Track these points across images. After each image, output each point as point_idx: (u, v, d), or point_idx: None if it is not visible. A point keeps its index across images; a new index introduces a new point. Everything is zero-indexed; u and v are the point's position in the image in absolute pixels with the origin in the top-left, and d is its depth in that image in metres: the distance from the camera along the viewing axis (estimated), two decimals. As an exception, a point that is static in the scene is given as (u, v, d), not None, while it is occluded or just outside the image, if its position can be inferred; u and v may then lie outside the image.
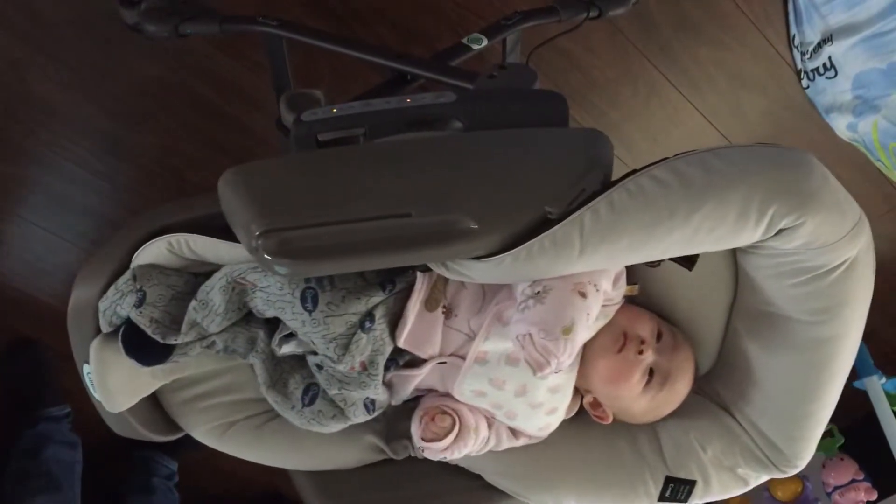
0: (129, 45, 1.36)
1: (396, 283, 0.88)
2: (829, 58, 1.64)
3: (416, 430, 0.91)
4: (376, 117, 0.85)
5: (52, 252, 1.53)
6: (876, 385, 1.80)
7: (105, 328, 0.90)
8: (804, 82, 1.75)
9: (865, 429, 1.82)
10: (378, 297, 0.86)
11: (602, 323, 0.90)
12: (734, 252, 0.90)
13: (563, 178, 0.78)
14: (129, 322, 0.88)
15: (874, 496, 1.93)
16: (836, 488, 1.95)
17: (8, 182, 1.44)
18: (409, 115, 0.85)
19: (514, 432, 0.96)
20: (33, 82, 1.37)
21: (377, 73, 1.28)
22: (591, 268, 0.80)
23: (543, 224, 0.75)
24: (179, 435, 1.02)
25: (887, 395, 1.81)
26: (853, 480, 1.94)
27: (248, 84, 1.44)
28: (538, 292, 0.80)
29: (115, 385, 0.91)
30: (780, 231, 0.75)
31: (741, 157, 0.76)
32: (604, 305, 0.87)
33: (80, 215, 1.50)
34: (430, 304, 0.89)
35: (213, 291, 0.87)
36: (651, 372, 0.90)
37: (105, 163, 1.46)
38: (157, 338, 0.87)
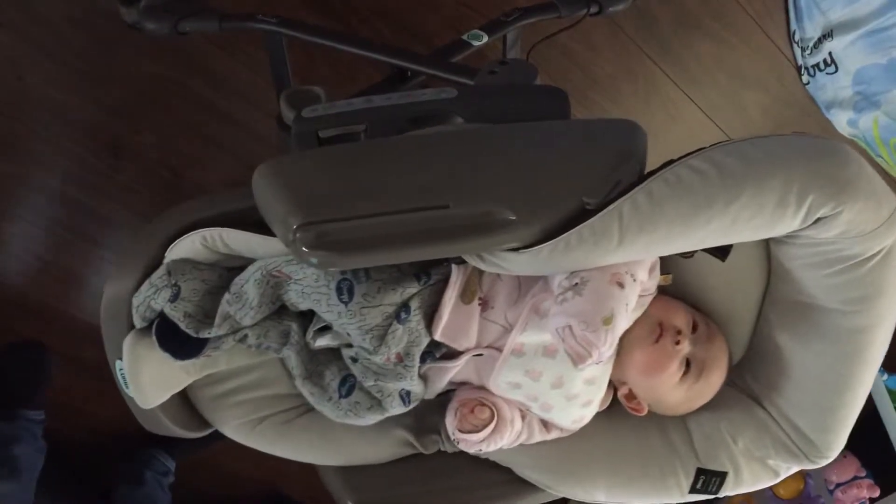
0: (128, 43, 1.36)
1: (432, 275, 0.88)
2: (830, 53, 1.64)
3: (451, 421, 0.91)
4: (377, 113, 0.85)
5: (52, 251, 1.52)
6: (878, 382, 1.79)
7: (138, 324, 0.90)
8: (804, 78, 1.75)
9: (868, 426, 1.80)
10: (413, 289, 0.86)
11: (638, 313, 0.90)
12: (766, 242, 0.89)
13: (599, 169, 0.78)
14: (162, 316, 0.88)
15: (876, 493, 1.93)
16: (838, 485, 1.95)
17: (6, 181, 1.44)
18: (411, 112, 0.85)
19: (547, 425, 0.96)
20: (32, 81, 1.36)
21: (377, 70, 1.27)
22: (629, 258, 0.80)
23: (581, 215, 0.75)
24: (208, 431, 1.02)
25: (890, 392, 1.81)
26: (855, 477, 1.94)
27: (248, 82, 1.44)
28: (576, 284, 0.80)
29: (148, 381, 0.91)
30: (818, 220, 0.75)
31: (779, 146, 0.76)
32: (639, 296, 0.86)
33: (79, 214, 1.49)
34: (465, 296, 0.89)
35: (248, 284, 0.88)
36: (687, 362, 0.90)
37: (104, 161, 1.46)
38: (191, 332, 0.88)
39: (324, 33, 1.14)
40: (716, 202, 0.73)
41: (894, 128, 1.62)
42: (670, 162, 0.78)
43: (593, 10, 1.35)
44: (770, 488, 2.06)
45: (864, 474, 1.94)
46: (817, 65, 1.69)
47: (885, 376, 1.81)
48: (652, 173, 0.77)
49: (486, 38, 1.21)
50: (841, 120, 1.74)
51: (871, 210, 0.75)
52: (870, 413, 1.79)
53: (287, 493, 1.95)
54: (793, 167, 0.73)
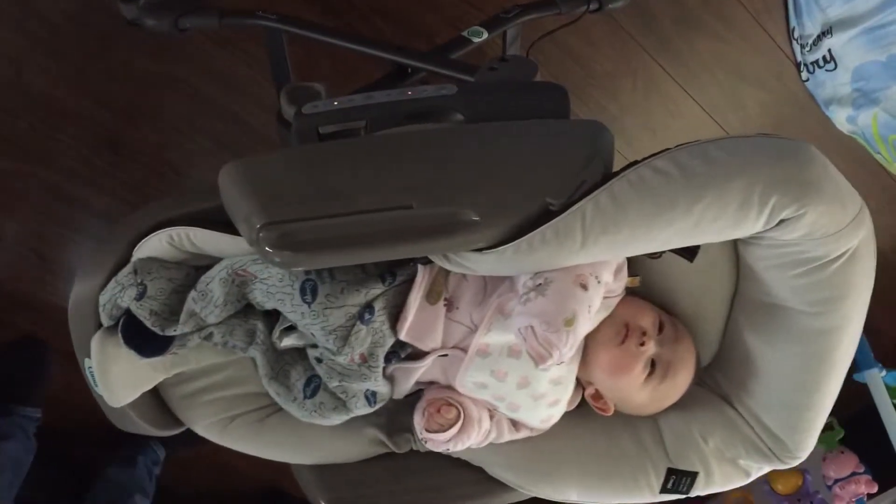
0: (128, 40, 1.36)
1: (397, 276, 0.88)
2: (829, 50, 1.64)
3: (419, 421, 0.92)
4: (377, 110, 0.85)
5: (53, 248, 1.52)
6: (876, 378, 1.80)
7: (106, 322, 0.90)
8: (804, 75, 1.75)
9: (866, 421, 1.82)
10: (378, 289, 0.87)
11: (604, 315, 0.90)
12: (735, 243, 0.90)
13: (564, 170, 0.78)
14: (128, 313, 0.88)
15: (874, 489, 1.93)
16: (836, 481, 1.95)
17: (6, 177, 1.44)
18: (411, 108, 0.85)
19: (516, 424, 0.96)
20: (32, 78, 1.36)
21: (377, 67, 1.27)
22: (593, 259, 0.80)
23: (545, 215, 0.76)
24: (180, 430, 1.02)
25: (887, 387, 1.81)
26: (853, 473, 1.94)
27: (248, 79, 1.44)
28: (539, 284, 0.80)
29: (117, 379, 0.91)
30: (782, 221, 0.75)
31: (742, 147, 0.76)
32: (605, 297, 0.87)
33: (80, 211, 1.49)
34: (431, 296, 0.89)
35: (213, 282, 0.88)
36: (653, 363, 0.91)
37: (104, 158, 1.46)
38: (157, 329, 0.88)
39: (324, 30, 1.14)
40: (678, 203, 0.74)
41: (893, 125, 1.62)
42: (634, 163, 0.78)
43: (593, 6, 1.34)
44: (768, 484, 2.06)
45: (862, 470, 1.94)
46: (816, 62, 1.69)
47: (884, 372, 1.81)
48: (616, 174, 0.77)
49: (485, 35, 1.21)
50: (840, 117, 1.74)
51: (835, 212, 0.75)
52: (868, 409, 1.80)
53: (286, 488, 1.95)
54: (756, 168, 0.73)
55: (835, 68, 1.66)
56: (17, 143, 1.41)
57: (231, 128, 1.48)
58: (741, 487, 0.97)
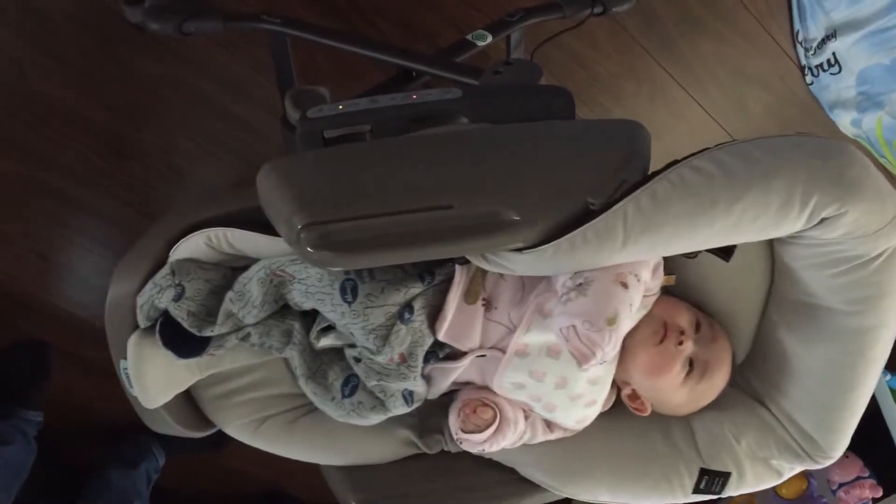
0: (132, 43, 1.36)
1: (436, 275, 0.88)
2: (833, 54, 1.64)
3: (454, 421, 0.92)
4: (382, 114, 0.85)
5: (55, 250, 1.53)
6: (882, 382, 1.79)
7: (143, 323, 0.90)
8: (808, 78, 1.75)
9: (871, 426, 1.80)
10: (417, 289, 0.87)
11: (642, 314, 0.90)
12: (770, 243, 0.89)
13: (603, 169, 0.78)
14: (166, 314, 0.88)
15: (879, 493, 1.93)
16: (841, 485, 1.95)
17: (9, 180, 1.44)
18: (416, 112, 0.85)
19: (550, 425, 0.96)
20: (36, 80, 1.36)
21: (382, 71, 1.27)
22: (633, 258, 0.80)
23: (585, 215, 0.75)
24: (211, 431, 1.02)
25: (893, 392, 1.81)
26: (858, 477, 1.94)
27: (252, 82, 1.44)
28: (580, 284, 0.80)
29: (152, 380, 0.91)
30: (823, 220, 0.74)
31: (782, 147, 0.76)
32: (643, 296, 0.86)
33: (82, 213, 1.49)
34: (469, 296, 0.89)
35: (251, 283, 0.88)
36: (691, 363, 0.90)
37: (108, 161, 1.46)
38: (194, 330, 0.88)
39: (328, 33, 1.15)
40: (720, 203, 0.73)
41: (898, 128, 1.62)
42: (675, 162, 0.78)
43: (597, 10, 1.35)
44: (773, 488, 2.05)
45: (866, 474, 1.94)
46: (821, 65, 1.69)
47: (888, 376, 1.81)
48: (656, 174, 0.77)
49: (490, 39, 1.21)
50: (844, 120, 1.74)
51: (876, 211, 0.75)
52: (873, 413, 1.79)
53: (290, 491, 1.95)
54: (797, 168, 0.73)
55: (839, 72, 1.66)
56: (19, 144, 1.41)
57: (234, 130, 1.48)
58: (748, 492, 0.96)
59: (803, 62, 1.73)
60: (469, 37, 1.21)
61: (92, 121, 1.42)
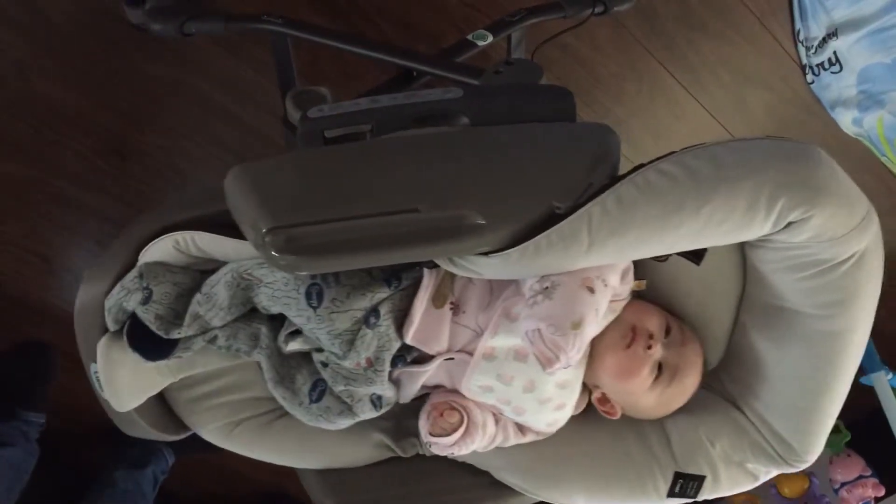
0: (133, 44, 1.36)
1: (402, 280, 0.88)
2: (834, 52, 1.64)
3: (423, 425, 0.92)
4: (383, 113, 0.85)
5: (58, 252, 1.53)
6: (883, 381, 1.79)
7: (112, 326, 0.90)
8: (809, 77, 1.75)
9: (872, 425, 1.81)
10: (383, 293, 0.87)
11: (610, 318, 0.90)
12: (742, 246, 0.89)
13: (570, 173, 0.78)
14: (133, 317, 0.88)
15: (881, 492, 1.93)
16: (843, 484, 1.95)
17: (11, 181, 1.44)
18: (416, 111, 0.85)
19: (522, 428, 0.96)
20: (37, 81, 1.37)
21: (382, 71, 1.27)
22: (600, 262, 0.80)
23: (551, 219, 0.75)
24: (186, 434, 1.02)
25: (894, 390, 1.81)
26: (860, 476, 1.94)
27: (253, 82, 1.44)
28: (546, 288, 0.80)
29: (123, 383, 0.91)
30: (789, 224, 0.74)
31: (749, 149, 0.76)
32: (612, 301, 0.87)
33: (84, 214, 1.50)
34: (437, 300, 0.89)
35: (218, 286, 0.88)
36: (660, 367, 0.90)
37: (109, 162, 1.46)
38: (161, 333, 0.88)
39: (329, 34, 1.14)
40: (686, 206, 0.73)
41: (899, 127, 1.62)
42: (640, 166, 0.77)
43: (598, 9, 1.35)
44: (775, 487, 2.05)
45: (869, 473, 1.94)
46: (822, 64, 1.68)
47: (890, 375, 1.81)
48: (622, 177, 0.77)
49: (491, 38, 1.21)
50: (846, 119, 1.74)
51: (843, 214, 0.75)
52: (875, 412, 1.79)
53: (289, 492, 1.95)
54: (763, 171, 0.73)
55: (840, 70, 1.66)
56: (21, 146, 1.41)
57: (236, 131, 1.49)
58: (748, 491, 0.96)
59: (804, 61, 1.73)
60: (470, 37, 1.21)
61: (93, 122, 1.42)
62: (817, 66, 1.70)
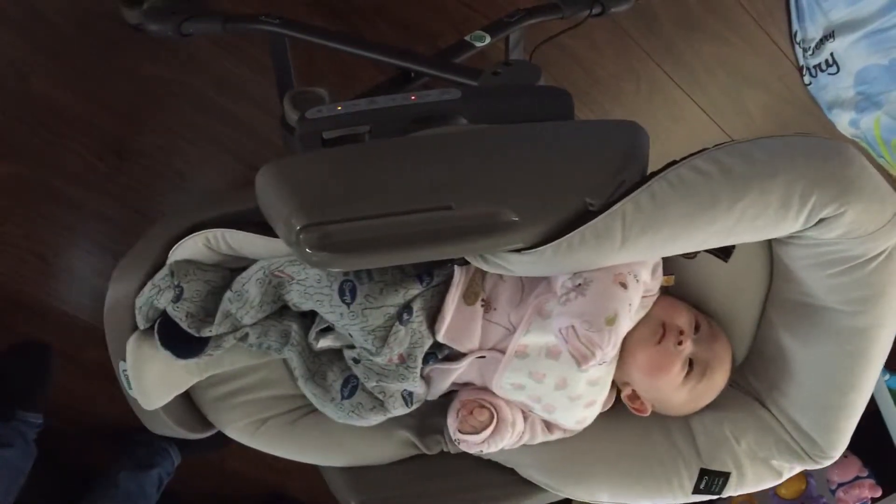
0: (131, 44, 1.36)
1: (434, 276, 0.88)
2: (832, 54, 1.64)
3: (452, 422, 0.92)
4: (381, 115, 0.85)
5: (56, 253, 1.53)
6: (881, 382, 1.79)
7: (142, 324, 0.90)
8: (806, 79, 1.75)
9: (870, 425, 1.80)
10: (416, 290, 0.87)
11: (641, 314, 0.90)
12: (769, 243, 0.89)
13: (602, 170, 0.78)
14: (164, 315, 0.89)
15: (878, 493, 1.93)
16: (840, 485, 1.95)
17: (9, 181, 1.44)
18: (415, 112, 0.85)
19: (549, 426, 0.96)
20: (35, 82, 1.36)
21: (380, 71, 1.27)
22: (632, 259, 0.80)
23: (584, 216, 0.75)
24: (211, 432, 1.02)
25: (891, 392, 1.81)
26: (857, 477, 1.94)
27: (251, 83, 1.44)
28: (579, 284, 0.80)
29: (151, 382, 0.91)
30: (821, 220, 0.75)
31: (782, 146, 0.76)
32: (642, 297, 0.86)
33: (82, 215, 1.49)
34: (468, 297, 0.89)
35: (250, 283, 0.88)
36: (690, 363, 0.90)
37: (107, 162, 1.46)
38: (192, 331, 0.88)
39: (327, 34, 1.14)
40: (719, 203, 0.73)
41: (896, 128, 1.62)
42: (673, 162, 0.78)
43: (596, 10, 1.35)
44: (772, 488, 2.05)
45: (865, 474, 1.94)
46: (819, 65, 1.69)
47: (887, 376, 1.81)
48: (655, 174, 0.77)
49: (489, 39, 1.21)
50: (843, 120, 1.74)
51: (875, 211, 0.75)
52: (872, 413, 1.79)
53: (290, 493, 1.95)
54: (796, 167, 0.73)
55: (837, 72, 1.66)
56: (20, 147, 1.41)
57: (235, 132, 1.49)
58: (747, 492, 0.96)
59: (802, 62, 1.73)
60: (468, 38, 1.21)
61: (91, 122, 1.42)
62: (814, 67, 1.70)
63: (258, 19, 1.14)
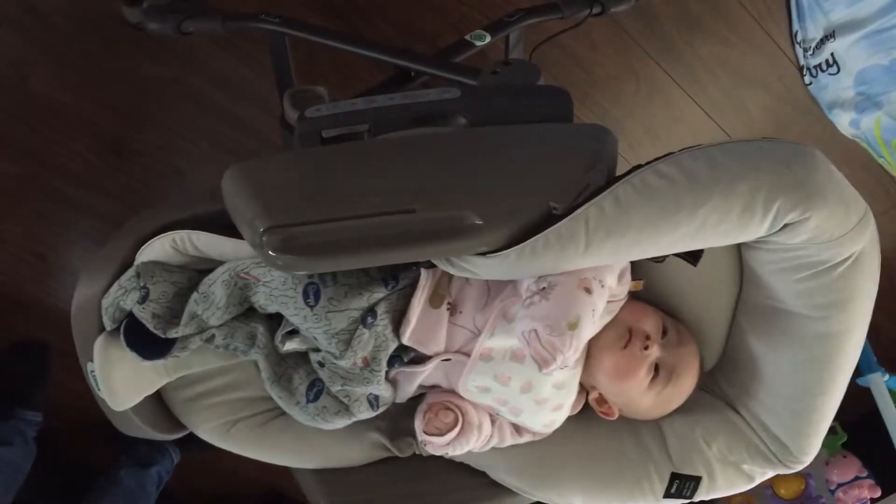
0: (131, 43, 1.36)
1: (400, 279, 0.88)
2: (832, 54, 1.64)
3: (419, 424, 0.92)
4: (380, 113, 0.85)
5: (55, 251, 1.53)
6: (879, 382, 1.79)
7: (108, 325, 0.90)
8: (807, 79, 1.75)
9: (869, 426, 1.81)
10: (380, 293, 0.86)
11: (607, 319, 0.90)
12: (739, 247, 0.89)
13: (567, 174, 0.78)
14: (131, 316, 0.88)
15: (878, 493, 1.93)
16: (839, 485, 1.95)
17: (9, 181, 1.44)
18: (414, 111, 0.85)
19: (518, 429, 0.96)
20: (35, 80, 1.37)
21: (380, 70, 1.28)
22: (597, 263, 0.80)
23: (548, 220, 0.75)
24: (183, 433, 1.02)
25: (891, 392, 1.81)
26: (857, 478, 1.94)
27: (251, 82, 1.44)
28: (543, 288, 0.80)
29: (119, 382, 0.91)
30: (786, 226, 0.75)
31: (746, 151, 0.76)
32: (609, 301, 0.86)
33: (82, 214, 1.49)
34: (434, 300, 0.89)
35: (216, 285, 0.88)
36: (657, 367, 0.90)
37: (107, 161, 1.46)
38: (159, 332, 0.88)
39: (327, 33, 1.14)
40: (683, 207, 0.73)
41: (896, 128, 1.62)
42: (638, 167, 0.78)
43: (596, 10, 1.35)
44: (771, 488, 2.05)
45: (865, 474, 1.94)
46: (819, 65, 1.69)
47: (887, 377, 1.81)
48: (619, 178, 0.77)
49: (489, 39, 1.21)
50: (843, 121, 1.74)
51: (839, 216, 0.75)
52: (871, 413, 1.79)
53: (287, 492, 1.95)
54: (760, 172, 0.73)
55: (838, 72, 1.66)
56: (19, 145, 1.41)
57: (234, 131, 1.49)
58: (745, 492, 0.96)
59: (802, 63, 1.73)
60: (468, 37, 1.21)
61: (91, 121, 1.42)
62: (815, 67, 1.70)
63: (258, 18, 1.14)
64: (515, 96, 0.89)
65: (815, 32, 1.65)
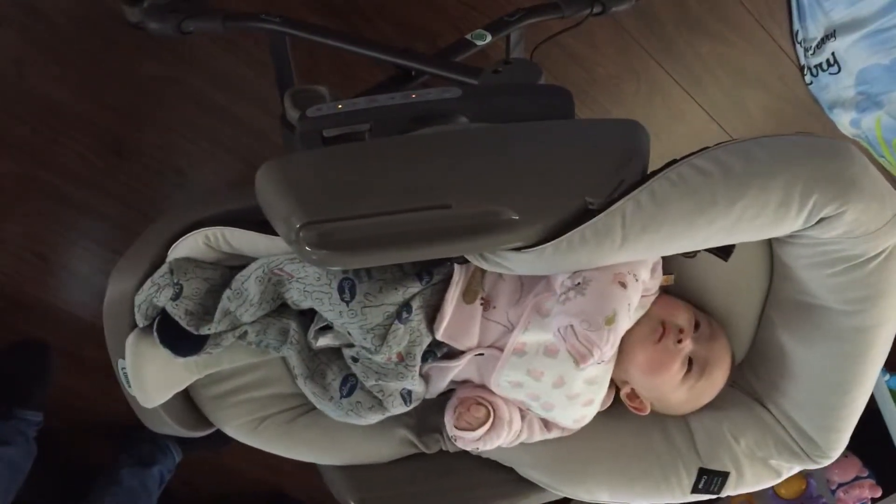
0: (131, 43, 1.36)
1: (434, 275, 0.88)
2: (833, 54, 1.64)
3: (449, 419, 0.92)
4: (382, 113, 0.85)
5: (55, 251, 1.53)
6: (881, 382, 1.79)
7: (141, 322, 0.90)
8: (807, 78, 1.75)
9: (870, 426, 1.80)
10: (415, 288, 0.87)
11: (640, 314, 0.90)
12: (769, 242, 0.89)
13: (602, 169, 0.78)
14: (164, 313, 0.89)
15: (878, 493, 1.92)
16: (840, 485, 1.94)
17: (8, 180, 1.44)
18: (415, 111, 0.85)
19: (547, 424, 0.96)
20: (35, 80, 1.37)
21: (381, 70, 1.27)
22: (632, 258, 0.80)
23: (584, 215, 0.76)
24: (210, 430, 1.02)
25: (892, 392, 1.81)
26: (857, 477, 1.93)
27: (251, 82, 1.44)
28: (578, 283, 0.80)
29: (150, 380, 0.91)
30: (822, 219, 0.75)
31: (782, 146, 0.76)
32: (641, 296, 0.86)
33: (82, 214, 1.49)
34: (468, 295, 0.89)
35: (249, 281, 0.88)
36: (690, 361, 0.90)
37: (108, 161, 1.46)
38: (191, 329, 0.88)
39: (328, 33, 1.14)
40: (719, 201, 0.73)
41: (897, 128, 1.62)
42: (673, 161, 0.78)
43: (596, 9, 1.34)
44: (772, 488, 2.05)
45: (865, 474, 1.93)
46: (820, 65, 1.69)
47: (887, 376, 1.81)
48: (655, 173, 0.77)
49: (489, 38, 1.21)
50: (844, 120, 1.74)
51: (875, 210, 0.75)
52: (872, 413, 1.79)
53: (290, 492, 1.95)
54: (796, 167, 0.73)
55: (838, 72, 1.66)
56: (19, 145, 1.41)
57: (234, 131, 1.49)
58: (747, 492, 0.96)
59: (803, 62, 1.73)
60: (468, 36, 1.21)
61: (91, 121, 1.42)
62: (815, 66, 1.70)
63: (259, 18, 1.14)
64: (516, 96, 0.89)
65: (815, 32, 1.65)
